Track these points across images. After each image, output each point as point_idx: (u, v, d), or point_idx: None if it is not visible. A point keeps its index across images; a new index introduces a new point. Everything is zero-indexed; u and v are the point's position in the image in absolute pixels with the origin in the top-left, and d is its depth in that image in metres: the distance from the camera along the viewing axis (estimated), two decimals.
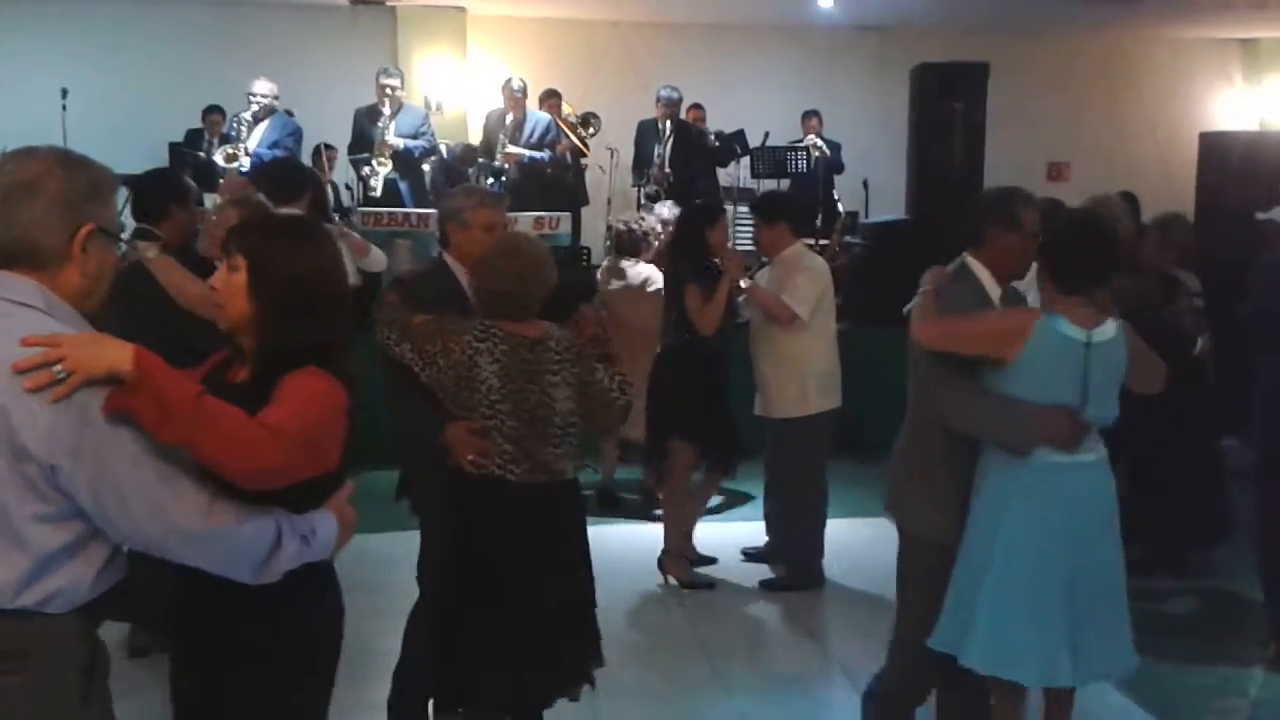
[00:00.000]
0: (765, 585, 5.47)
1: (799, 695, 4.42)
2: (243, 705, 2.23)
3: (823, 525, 5.51)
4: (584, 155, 9.67)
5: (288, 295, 2.20)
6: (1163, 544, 5.57)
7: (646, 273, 6.22)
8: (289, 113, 9.74)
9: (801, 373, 5.29)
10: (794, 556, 5.48)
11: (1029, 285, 3.51)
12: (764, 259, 5.59)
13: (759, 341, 5.41)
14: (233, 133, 8.96)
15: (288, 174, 5.32)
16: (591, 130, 9.70)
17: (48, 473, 1.89)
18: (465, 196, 3.90)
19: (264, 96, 8.81)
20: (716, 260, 5.29)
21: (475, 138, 9.99)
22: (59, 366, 1.86)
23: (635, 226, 6.37)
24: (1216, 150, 10.26)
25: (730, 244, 5.40)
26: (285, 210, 5.16)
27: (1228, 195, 9.73)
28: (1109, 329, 3.17)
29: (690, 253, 5.29)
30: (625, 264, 6.32)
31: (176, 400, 1.90)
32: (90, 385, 1.88)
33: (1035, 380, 3.13)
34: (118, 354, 1.88)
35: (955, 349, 3.25)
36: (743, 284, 5.33)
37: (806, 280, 5.24)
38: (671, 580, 5.43)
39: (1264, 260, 4.63)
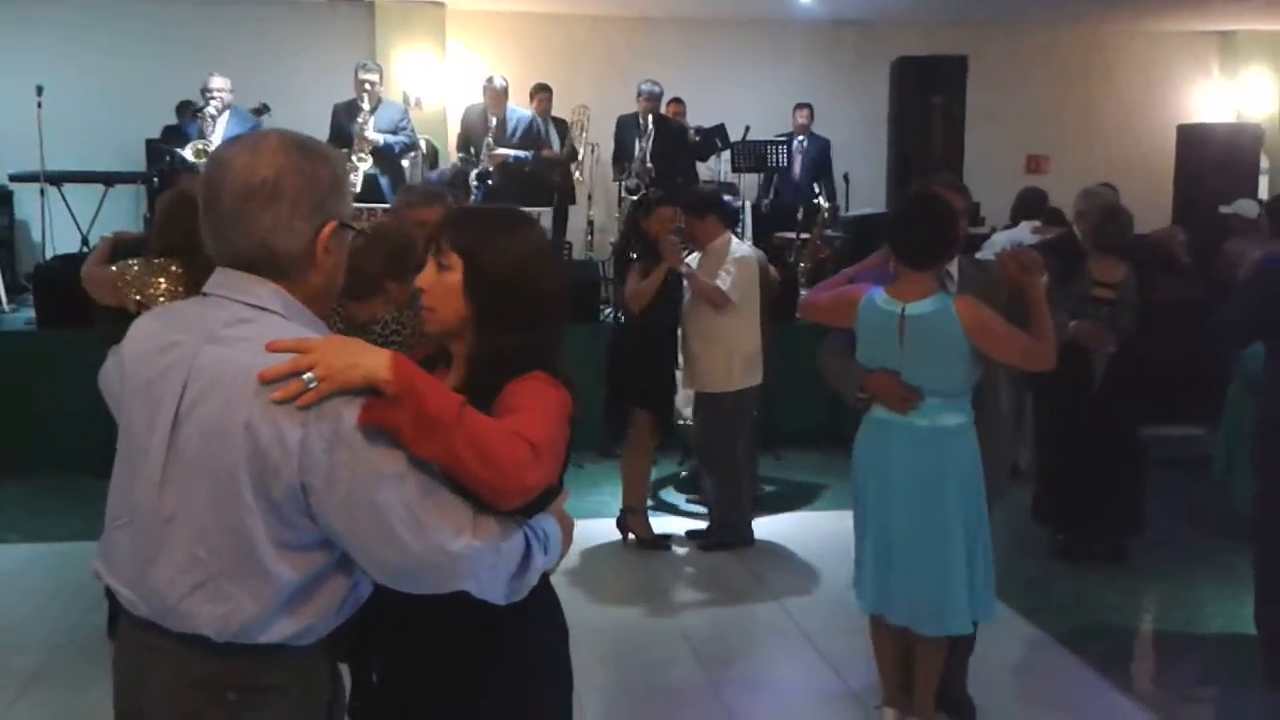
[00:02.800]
0: (690, 535, 5.99)
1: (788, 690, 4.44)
2: None
3: (750, 488, 6.07)
4: (574, 158, 9.70)
5: (508, 294, 1.98)
6: (1093, 531, 5.75)
7: None
8: (264, 107, 9.70)
9: (728, 352, 5.76)
10: (720, 516, 5.93)
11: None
12: (694, 249, 5.96)
13: (690, 320, 5.88)
14: (193, 132, 8.91)
15: None
16: (578, 133, 9.75)
17: (297, 494, 1.67)
18: (402, 194, 4.20)
19: (220, 91, 8.80)
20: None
21: (453, 132, 9.96)
22: (309, 374, 1.66)
23: None
24: (1194, 142, 10.35)
25: (668, 234, 5.72)
26: None
27: (1205, 187, 9.82)
28: (929, 303, 3.46)
29: (630, 241, 5.92)
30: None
31: (439, 412, 1.68)
32: (343, 395, 1.67)
33: (864, 347, 3.60)
34: (374, 361, 1.68)
35: (813, 319, 3.84)
36: (682, 270, 5.76)
37: (736, 268, 5.72)
38: (632, 537, 5.88)
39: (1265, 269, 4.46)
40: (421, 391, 1.68)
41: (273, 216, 1.76)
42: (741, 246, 6.00)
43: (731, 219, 5.95)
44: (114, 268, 4.15)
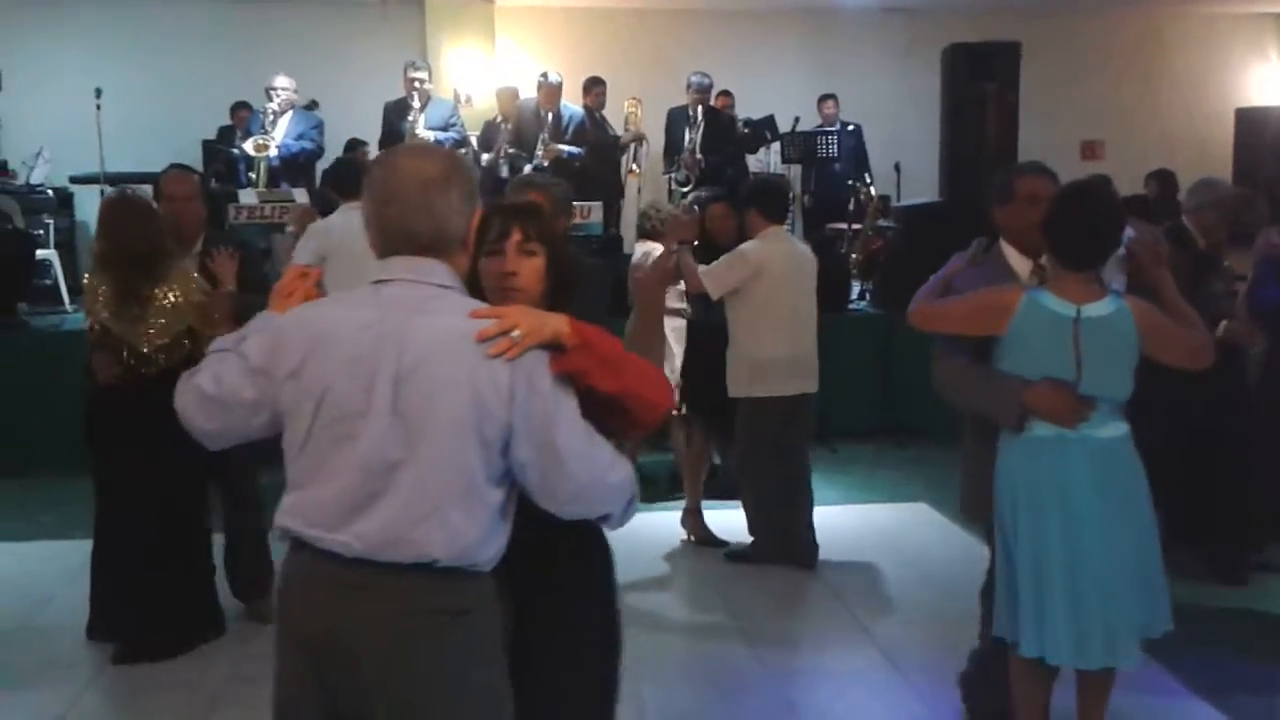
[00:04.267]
0: (727, 554, 5.67)
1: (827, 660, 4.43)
2: (590, 643, 2.49)
3: (765, 507, 5.55)
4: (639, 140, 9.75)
5: (571, 273, 2.43)
6: (1215, 543, 5.27)
7: (646, 249, 6.32)
8: (313, 104, 9.83)
9: (741, 355, 5.47)
10: (753, 529, 5.64)
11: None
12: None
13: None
14: (255, 127, 9.08)
15: (350, 173, 5.94)
16: (630, 125, 9.77)
17: (504, 432, 2.03)
18: (515, 183, 4.18)
19: (284, 90, 8.99)
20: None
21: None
22: (515, 333, 2.03)
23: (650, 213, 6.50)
24: (1252, 126, 10.20)
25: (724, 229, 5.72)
26: (349, 206, 5.64)
27: (1264, 170, 9.65)
28: (1105, 304, 3.17)
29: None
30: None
31: (612, 353, 2.13)
32: (534, 349, 2.04)
33: (1024, 355, 3.19)
34: (557, 321, 2.08)
35: (943, 330, 3.37)
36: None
37: (729, 262, 5.41)
38: (690, 536, 5.84)
39: None
40: (595, 339, 2.11)
41: (447, 202, 2.12)
42: (763, 243, 5.51)
43: (777, 212, 5.63)
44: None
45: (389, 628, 2.03)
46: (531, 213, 2.46)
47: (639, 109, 9.82)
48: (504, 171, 8.92)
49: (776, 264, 5.44)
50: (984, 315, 3.26)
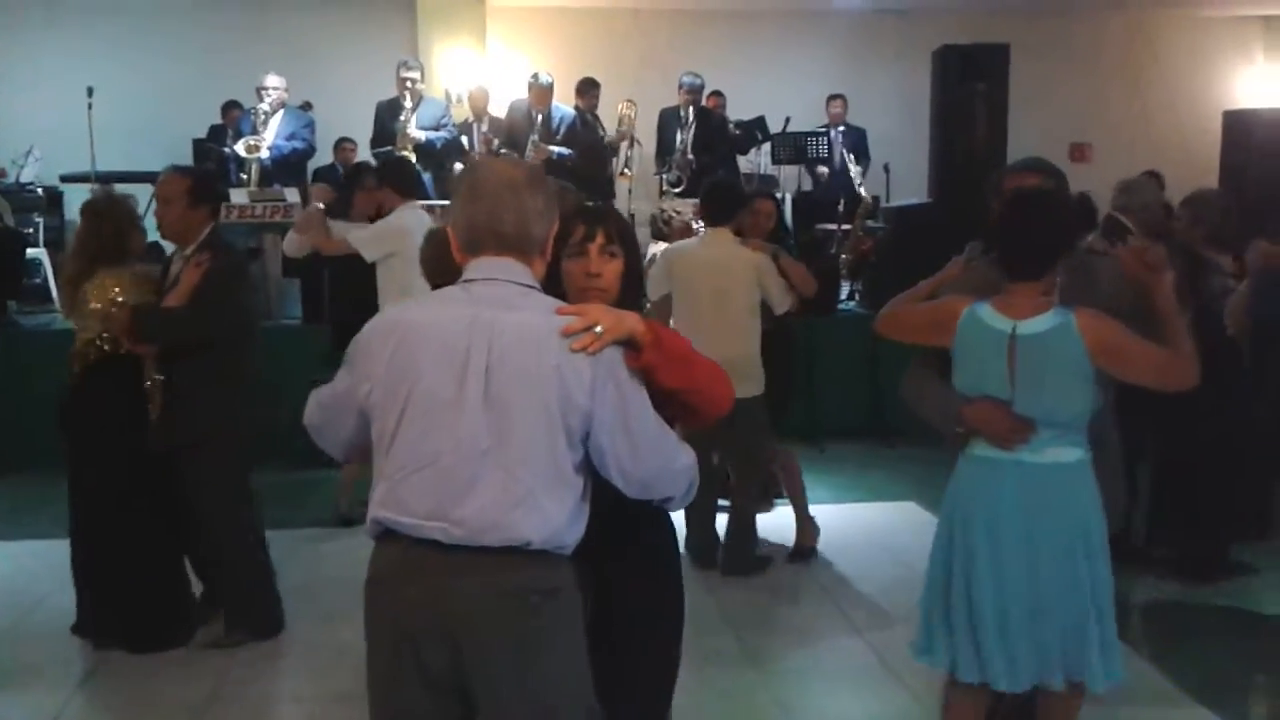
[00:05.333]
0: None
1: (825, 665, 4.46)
2: (659, 623, 2.67)
3: (705, 510, 5.49)
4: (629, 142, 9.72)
5: (641, 274, 2.64)
6: (1203, 541, 5.35)
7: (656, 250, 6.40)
8: (306, 105, 9.84)
9: None
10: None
11: None
12: None
13: None
14: (246, 127, 9.08)
15: (408, 172, 6.33)
16: (623, 126, 9.76)
17: (585, 421, 2.18)
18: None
19: (275, 89, 9.00)
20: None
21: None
22: (598, 328, 2.19)
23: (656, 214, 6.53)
24: (1240, 128, 10.20)
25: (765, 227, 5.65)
26: (409, 206, 5.95)
27: (1251, 173, 9.68)
28: (1045, 320, 2.94)
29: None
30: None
31: (683, 352, 2.34)
32: (612, 345, 2.20)
33: (965, 370, 3.05)
34: (632, 319, 2.25)
35: (899, 338, 3.24)
36: None
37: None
38: None
39: None
40: (666, 338, 2.30)
41: (532, 204, 2.27)
42: (674, 246, 5.56)
43: (717, 214, 5.36)
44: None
45: (487, 607, 2.16)
46: (613, 217, 2.60)
47: (634, 111, 9.84)
48: None
49: (685, 267, 5.36)
50: (932, 326, 3.12)
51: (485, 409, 2.16)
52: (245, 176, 8.94)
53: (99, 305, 4.39)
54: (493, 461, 2.15)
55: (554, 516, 2.18)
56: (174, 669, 4.42)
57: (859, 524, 6.15)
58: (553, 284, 2.44)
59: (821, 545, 5.68)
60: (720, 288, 5.30)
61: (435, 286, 3.63)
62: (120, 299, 4.37)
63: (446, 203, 7.95)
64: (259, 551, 4.67)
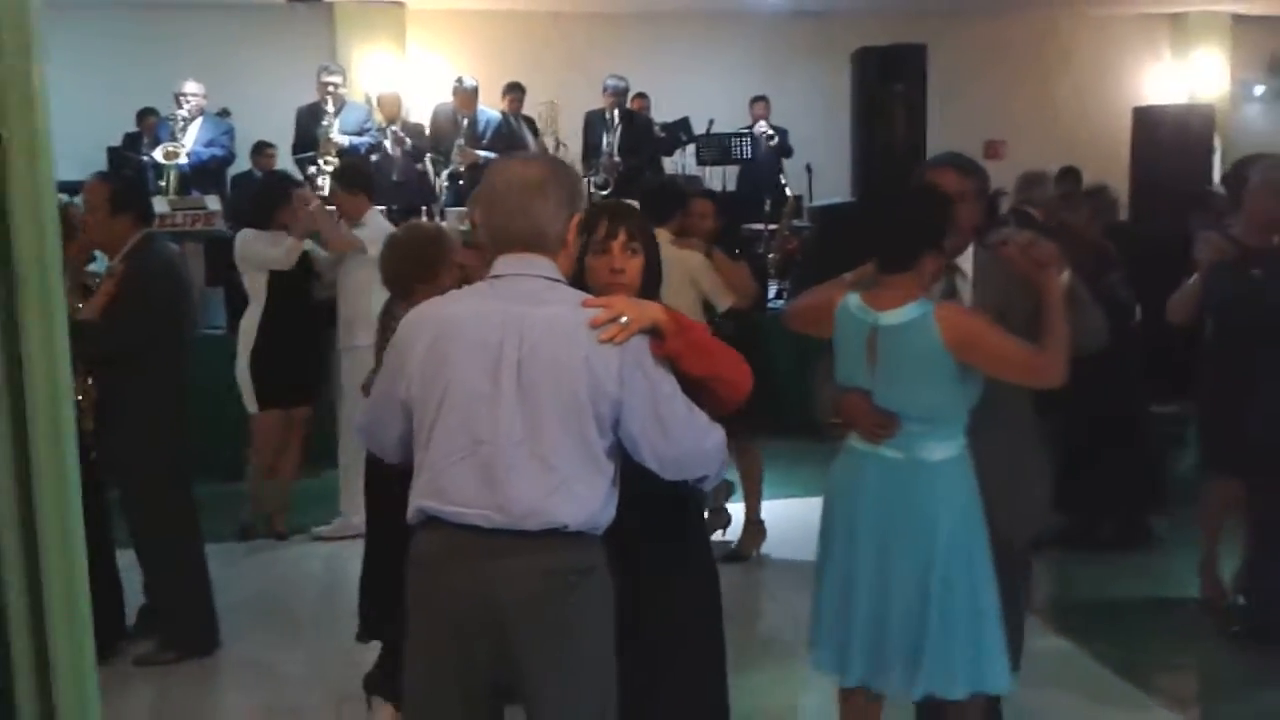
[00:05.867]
0: None
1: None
2: (691, 602, 2.76)
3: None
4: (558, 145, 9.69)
5: (659, 269, 2.71)
6: (1110, 513, 5.70)
7: None
8: (225, 112, 9.70)
9: None
10: None
11: None
12: None
13: None
14: (164, 134, 8.94)
15: (359, 171, 6.44)
16: (547, 130, 9.76)
17: (615, 407, 2.30)
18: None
19: (194, 96, 8.89)
20: None
21: None
22: (623, 319, 2.30)
23: None
24: (1148, 124, 10.50)
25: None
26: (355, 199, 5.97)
27: (1161, 167, 9.96)
28: (905, 312, 2.90)
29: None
30: None
31: (704, 340, 2.44)
32: (638, 335, 2.31)
33: (839, 362, 3.06)
34: (655, 309, 2.37)
35: (802, 331, 3.22)
36: None
37: None
38: None
39: None
40: (689, 328, 2.41)
41: (544, 207, 2.37)
42: None
43: (656, 215, 5.23)
44: None
45: (529, 586, 2.28)
46: (634, 214, 2.73)
47: (554, 114, 9.84)
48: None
49: None
50: (816, 317, 3.12)
51: (519, 400, 2.27)
52: (164, 184, 8.79)
53: None
54: (528, 450, 2.27)
55: (588, 500, 2.30)
56: (110, 686, 4.32)
57: (790, 519, 6.20)
58: (578, 278, 2.56)
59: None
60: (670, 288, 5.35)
61: (400, 291, 3.66)
62: None
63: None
64: (196, 567, 4.59)
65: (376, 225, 5.92)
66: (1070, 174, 10.06)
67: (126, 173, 8.85)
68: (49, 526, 1.96)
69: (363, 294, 5.63)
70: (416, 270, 3.65)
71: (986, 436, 3.00)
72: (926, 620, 2.91)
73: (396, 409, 2.43)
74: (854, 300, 3.01)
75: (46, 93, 1.97)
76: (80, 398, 4.31)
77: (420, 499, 2.36)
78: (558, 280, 2.40)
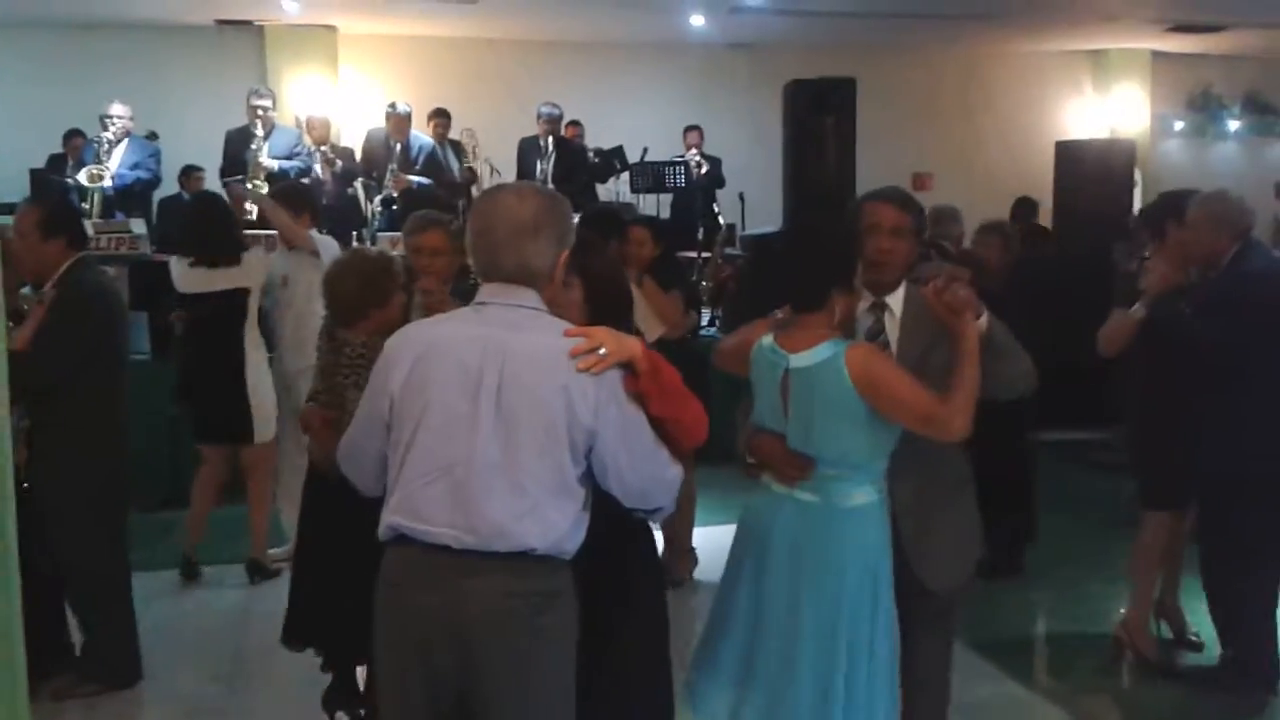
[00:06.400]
0: None
1: None
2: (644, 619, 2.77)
3: None
4: (474, 181, 9.63)
5: (612, 297, 2.72)
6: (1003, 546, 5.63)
7: None
8: (153, 135, 9.56)
9: None
10: None
11: None
12: None
13: None
14: (90, 156, 8.79)
15: (301, 192, 6.45)
16: (471, 157, 9.71)
17: (589, 436, 2.33)
18: (409, 221, 4.35)
19: (120, 118, 8.75)
20: None
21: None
22: (602, 350, 2.33)
23: None
24: (1071, 158, 10.74)
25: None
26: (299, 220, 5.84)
27: (1083, 200, 10.20)
28: (818, 352, 2.83)
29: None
30: None
31: (673, 384, 2.46)
32: (614, 368, 2.35)
33: (757, 401, 3.01)
34: (633, 345, 2.40)
35: (727, 370, 3.14)
36: None
37: None
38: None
39: (1233, 279, 4.26)
40: (662, 368, 2.44)
41: (534, 246, 2.40)
42: None
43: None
44: None
45: (496, 606, 2.31)
46: (575, 248, 2.63)
47: (474, 141, 9.81)
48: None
49: None
50: (734, 355, 3.07)
51: (496, 425, 2.31)
52: (88, 206, 8.61)
53: None
54: (502, 474, 2.30)
55: (558, 525, 2.34)
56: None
57: (721, 547, 6.20)
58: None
59: (706, 567, 5.69)
60: None
61: (350, 316, 3.59)
62: None
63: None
64: (120, 599, 4.47)
65: (325, 244, 5.83)
66: (1025, 204, 10.36)
67: (55, 196, 8.69)
68: None
69: (313, 313, 5.52)
70: (372, 295, 3.59)
71: (910, 481, 2.94)
72: (818, 682, 2.83)
73: (380, 429, 2.44)
74: (767, 341, 2.94)
75: None
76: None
77: (392, 516, 2.39)
78: (539, 309, 2.43)
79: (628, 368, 2.38)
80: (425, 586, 2.34)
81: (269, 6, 10.58)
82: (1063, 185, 10.62)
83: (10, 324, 4.22)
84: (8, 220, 5.43)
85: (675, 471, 2.48)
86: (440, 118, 9.67)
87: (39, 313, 4.15)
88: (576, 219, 2.75)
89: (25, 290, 4.50)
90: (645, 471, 2.41)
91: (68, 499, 4.23)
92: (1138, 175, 11.26)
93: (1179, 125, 14.18)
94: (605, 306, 2.67)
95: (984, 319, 2.89)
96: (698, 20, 11.08)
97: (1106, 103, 13.86)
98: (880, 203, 3.10)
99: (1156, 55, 13.71)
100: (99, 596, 4.39)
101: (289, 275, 5.81)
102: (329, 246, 5.80)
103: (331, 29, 11.44)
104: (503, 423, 2.31)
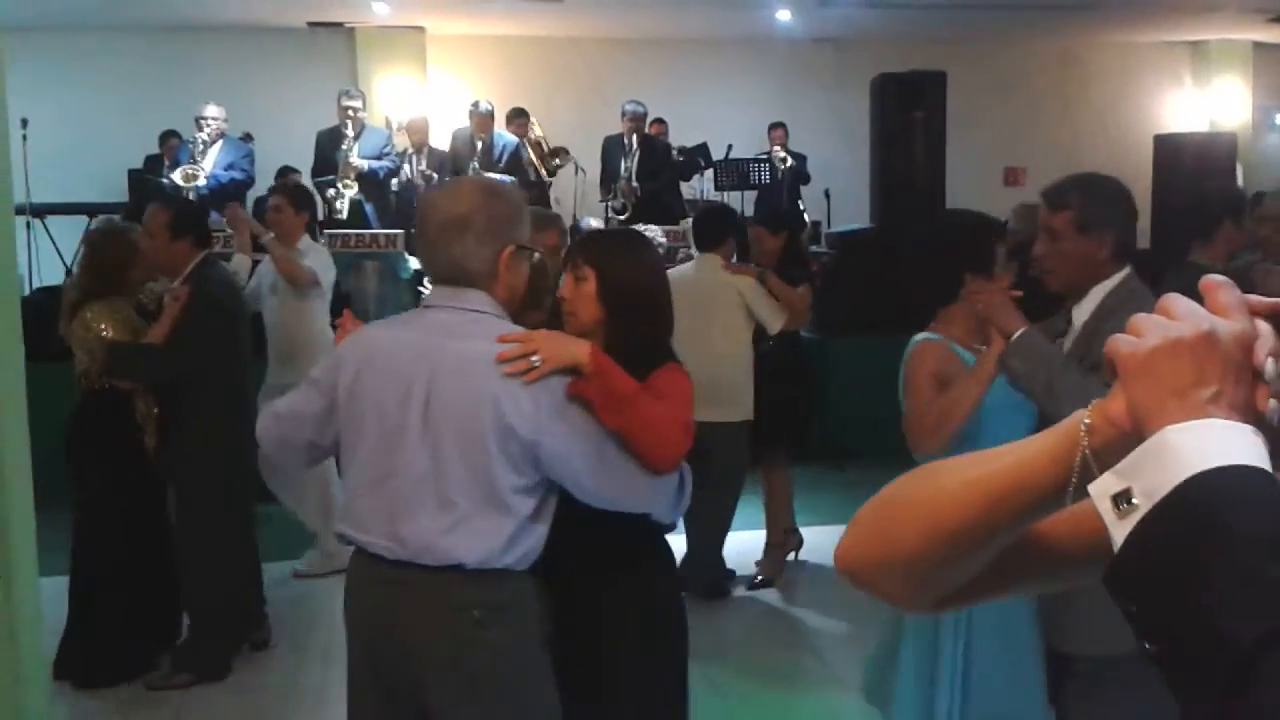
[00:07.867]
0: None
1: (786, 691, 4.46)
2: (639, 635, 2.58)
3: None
4: (549, 179, 9.67)
5: (632, 300, 2.53)
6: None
7: None
8: (248, 136, 9.74)
9: None
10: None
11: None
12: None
13: None
14: (185, 157, 8.98)
15: (305, 191, 6.32)
16: (558, 163, 9.76)
17: (529, 449, 2.21)
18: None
19: (214, 120, 8.92)
20: None
21: None
22: (535, 357, 2.20)
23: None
24: (1170, 152, 10.47)
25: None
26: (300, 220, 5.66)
27: (1182, 195, 9.91)
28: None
29: None
30: None
31: (623, 391, 2.25)
32: (557, 374, 2.21)
33: (988, 399, 2.86)
34: (579, 349, 2.25)
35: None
36: None
37: None
38: None
39: None
40: (611, 374, 2.24)
41: (461, 245, 2.29)
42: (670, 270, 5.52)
43: (701, 240, 5.49)
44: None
45: (432, 621, 2.24)
46: (591, 242, 2.66)
47: (544, 137, 9.82)
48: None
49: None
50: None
51: (424, 436, 2.23)
52: None
53: (85, 339, 4.35)
54: (430, 487, 2.23)
55: (489, 539, 2.23)
56: (118, 710, 4.31)
57: (813, 549, 6.16)
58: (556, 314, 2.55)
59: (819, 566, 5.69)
60: (701, 312, 5.16)
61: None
62: (104, 333, 4.32)
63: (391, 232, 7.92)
64: (235, 595, 4.55)
65: (316, 254, 5.68)
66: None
67: (181, 199, 8.93)
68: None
69: (303, 325, 5.52)
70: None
71: None
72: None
73: (308, 423, 2.41)
74: (954, 348, 2.87)
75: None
76: (143, 415, 4.39)
77: (339, 523, 2.41)
78: (484, 312, 2.31)
79: (573, 373, 2.24)
80: (368, 595, 2.34)
81: (359, 8, 10.73)
82: (1161, 180, 10.35)
83: (140, 319, 4.46)
84: (111, 219, 5.61)
85: (648, 480, 2.29)
86: (519, 118, 9.72)
87: (174, 309, 4.30)
88: (691, 219, 2.65)
89: (153, 285, 4.68)
90: (607, 481, 2.28)
91: (198, 489, 4.35)
92: (1239, 170, 10.92)
93: None
94: (623, 305, 2.51)
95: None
96: (784, 15, 10.98)
97: (1206, 95, 13.45)
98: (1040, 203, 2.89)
99: (1258, 46, 13.27)
100: (207, 590, 4.46)
101: (275, 283, 5.56)
102: (324, 262, 5.69)
103: (420, 30, 11.57)
104: (430, 434, 2.23)
